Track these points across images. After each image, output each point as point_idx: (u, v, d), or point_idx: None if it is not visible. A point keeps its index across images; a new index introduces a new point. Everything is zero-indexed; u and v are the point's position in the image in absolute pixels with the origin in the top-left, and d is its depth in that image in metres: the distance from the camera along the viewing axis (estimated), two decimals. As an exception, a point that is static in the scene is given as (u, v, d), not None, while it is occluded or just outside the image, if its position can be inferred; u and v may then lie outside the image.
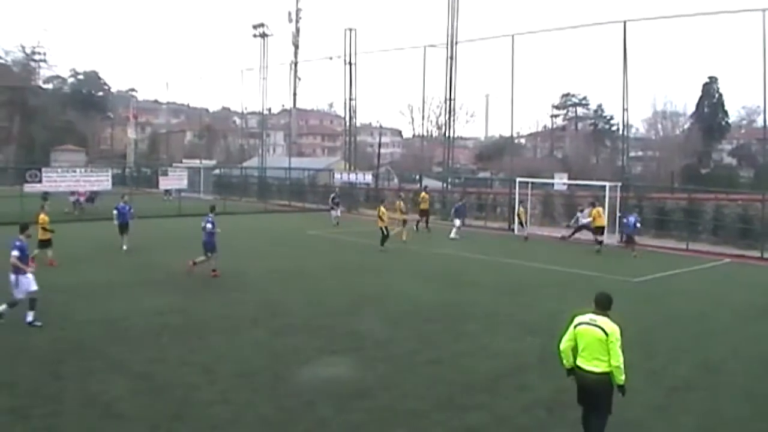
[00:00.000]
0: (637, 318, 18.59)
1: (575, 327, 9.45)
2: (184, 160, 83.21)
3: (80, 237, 32.29)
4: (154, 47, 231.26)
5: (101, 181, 45.21)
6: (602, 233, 33.45)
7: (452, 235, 36.09)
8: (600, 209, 33.73)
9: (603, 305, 9.48)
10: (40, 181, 41.08)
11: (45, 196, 32.51)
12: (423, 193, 41.94)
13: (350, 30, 59.60)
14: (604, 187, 37.52)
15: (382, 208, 31.64)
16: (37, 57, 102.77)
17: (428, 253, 30.77)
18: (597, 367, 9.10)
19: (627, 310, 19.61)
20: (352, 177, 55.83)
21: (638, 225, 32.25)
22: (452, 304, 19.75)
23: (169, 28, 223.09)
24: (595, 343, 9.13)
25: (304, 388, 12.18)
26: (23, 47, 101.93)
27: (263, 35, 73.06)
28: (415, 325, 17.11)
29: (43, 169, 43.75)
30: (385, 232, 31.15)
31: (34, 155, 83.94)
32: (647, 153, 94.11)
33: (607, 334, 9.05)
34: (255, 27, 74.03)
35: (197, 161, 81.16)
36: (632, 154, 75.39)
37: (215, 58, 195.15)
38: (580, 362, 9.30)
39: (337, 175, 57.72)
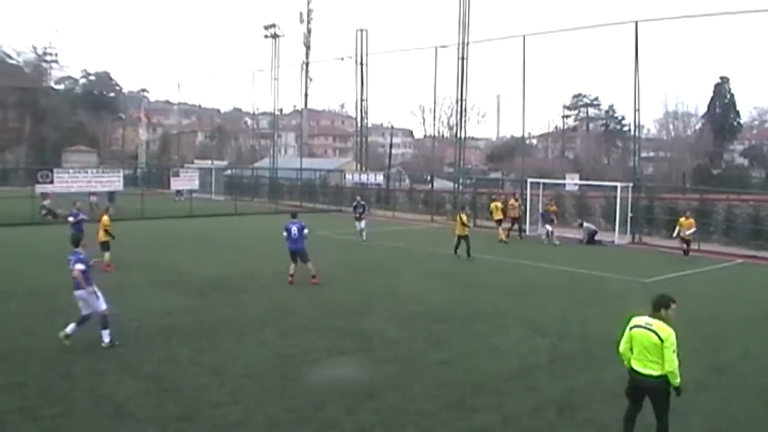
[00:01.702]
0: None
1: (630, 329, 9.53)
2: (195, 161, 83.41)
3: (90, 237, 32.36)
4: (166, 48, 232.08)
5: (113, 181, 45.33)
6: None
7: (554, 241, 35.63)
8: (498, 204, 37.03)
9: (659, 307, 9.48)
10: (51, 182, 41.21)
11: (111, 196, 32.53)
12: (512, 200, 39.55)
13: (361, 31, 59.64)
14: (616, 187, 37.48)
15: (463, 216, 29.64)
16: (48, 58, 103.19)
17: (437, 253, 30.66)
18: (652, 370, 9.18)
19: (637, 311, 19.57)
20: (364, 178, 55.81)
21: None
22: (461, 305, 19.70)
23: (181, 28, 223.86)
24: (649, 346, 9.18)
25: (313, 388, 12.17)
26: (35, 48, 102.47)
27: (274, 36, 73.13)
28: (424, 326, 17.06)
29: (55, 170, 43.88)
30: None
31: (46, 156, 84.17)
32: (659, 153, 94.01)
33: (662, 340, 9.08)
34: (266, 28, 74.09)
35: (209, 162, 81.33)
36: (644, 154, 75.19)
37: (227, 59, 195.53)
38: (634, 365, 9.40)
39: (349, 176, 57.73)
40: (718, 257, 31.69)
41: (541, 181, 42.29)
